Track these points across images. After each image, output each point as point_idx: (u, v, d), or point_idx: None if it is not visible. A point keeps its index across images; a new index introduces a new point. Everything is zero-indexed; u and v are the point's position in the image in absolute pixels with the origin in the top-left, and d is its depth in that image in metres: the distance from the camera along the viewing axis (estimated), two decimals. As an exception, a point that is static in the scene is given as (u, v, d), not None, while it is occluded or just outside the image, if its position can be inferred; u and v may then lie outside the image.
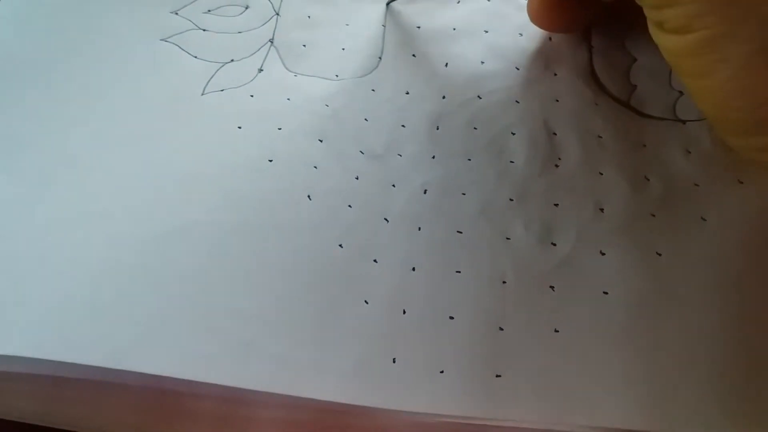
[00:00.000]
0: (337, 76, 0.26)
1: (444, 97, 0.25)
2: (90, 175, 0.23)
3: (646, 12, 0.18)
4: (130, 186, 0.23)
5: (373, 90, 0.26)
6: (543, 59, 0.26)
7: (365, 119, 0.25)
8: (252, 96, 0.25)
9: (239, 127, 0.24)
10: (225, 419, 0.19)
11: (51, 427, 0.20)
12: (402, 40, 0.27)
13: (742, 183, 0.22)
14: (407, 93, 0.25)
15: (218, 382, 0.19)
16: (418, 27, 0.27)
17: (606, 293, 0.20)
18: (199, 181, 0.23)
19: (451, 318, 0.20)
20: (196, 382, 0.19)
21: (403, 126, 0.24)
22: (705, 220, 0.22)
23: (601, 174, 0.23)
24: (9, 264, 0.21)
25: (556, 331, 0.20)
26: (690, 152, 0.23)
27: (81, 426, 0.20)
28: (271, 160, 0.23)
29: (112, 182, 0.23)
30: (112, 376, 0.19)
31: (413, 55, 0.27)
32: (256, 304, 0.20)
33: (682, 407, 0.19)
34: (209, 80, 0.26)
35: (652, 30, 0.18)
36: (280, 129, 0.24)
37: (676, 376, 0.19)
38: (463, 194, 0.23)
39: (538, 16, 0.25)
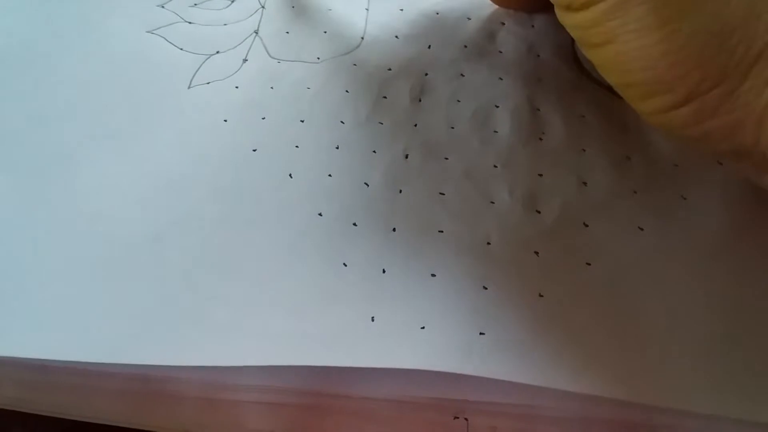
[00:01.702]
0: (318, 58, 0.26)
1: (426, 74, 0.25)
2: (81, 173, 0.22)
3: (554, 0, 0.19)
4: (121, 185, 0.22)
5: (354, 65, 0.25)
6: (526, 43, 0.26)
7: (346, 91, 0.24)
8: (237, 87, 0.25)
9: (225, 120, 0.24)
10: (210, 403, 0.19)
11: (36, 413, 0.19)
12: (385, 22, 0.27)
13: (721, 164, 0.22)
14: (389, 69, 0.25)
15: (204, 364, 0.18)
16: (401, 10, 0.27)
17: (589, 264, 0.20)
18: (188, 177, 0.22)
19: (433, 275, 0.19)
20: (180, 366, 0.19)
21: (384, 97, 0.24)
22: (685, 198, 0.22)
23: (584, 150, 0.23)
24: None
25: (541, 295, 0.19)
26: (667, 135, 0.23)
27: (66, 412, 0.19)
28: (255, 150, 0.23)
29: (102, 181, 0.22)
30: (99, 363, 0.19)
31: (396, 37, 0.26)
32: (242, 288, 0.19)
33: (662, 377, 0.18)
34: (195, 73, 0.25)
35: (561, 15, 0.19)
36: (263, 119, 0.24)
37: (657, 347, 0.19)
38: (446, 159, 0.22)
39: None
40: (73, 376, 0.19)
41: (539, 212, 0.21)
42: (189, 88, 0.25)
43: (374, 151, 0.22)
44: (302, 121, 0.23)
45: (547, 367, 0.18)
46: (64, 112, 0.24)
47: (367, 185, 0.21)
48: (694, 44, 0.16)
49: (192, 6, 0.28)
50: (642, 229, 0.21)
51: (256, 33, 0.27)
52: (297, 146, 0.23)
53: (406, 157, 0.22)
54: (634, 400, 0.18)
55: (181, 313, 0.19)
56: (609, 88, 0.24)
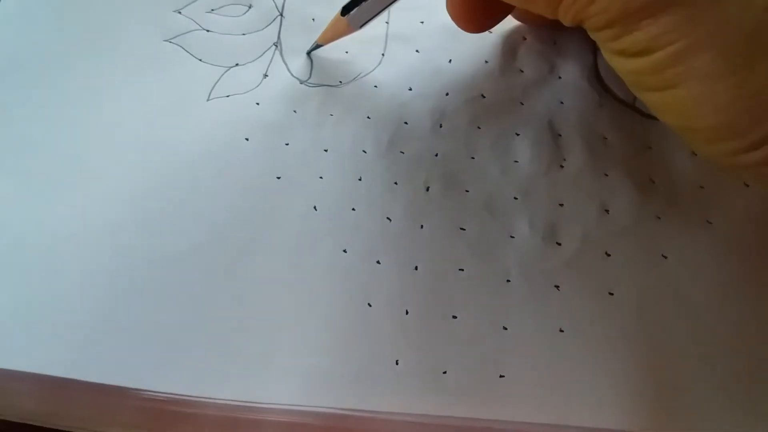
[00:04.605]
0: (340, 82, 0.26)
1: (447, 94, 0.25)
2: (98, 184, 0.23)
3: (603, 45, 0.18)
4: (140, 197, 0.22)
5: (375, 86, 0.25)
6: (548, 63, 0.25)
7: (368, 117, 0.24)
8: (258, 104, 0.25)
9: (246, 139, 0.24)
10: (230, 422, 0.19)
11: (55, 428, 0.20)
12: (405, 35, 0.27)
13: (747, 186, 0.22)
14: (410, 89, 0.25)
15: (228, 398, 0.19)
16: (422, 22, 0.27)
17: (612, 294, 0.20)
18: (211, 196, 0.22)
19: (454, 317, 0.20)
20: None
21: (405, 123, 0.24)
22: (710, 223, 0.22)
23: (607, 175, 0.23)
24: (22, 279, 0.21)
25: (561, 330, 0.20)
26: (696, 154, 0.23)
27: (85, 427, 0.19)
28: (279, 177, 0.23)
29: (121, 193, 0.22)
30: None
31: (416, 51, 0.26)
32: (265, 320, 0.20)
33: (688, 409, 0.18)
34: (214, 85, 0.25)
35: (611, 58, 0.18)
36: (287, 144, 0.24)
37: (682, 378, 0.19)
38: (467, 191, 0.22)
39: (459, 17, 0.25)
40: (92, 393, 0.19)
41: (560, 244, 0.21)
42: (208, 100, 0.25)
43: (396, 183, 0.23)
44: (326, 151, 0.24)
45: (568, 404, 0.19)
46: (81, 120, 0.24)
47: (390, 220, 0.22)
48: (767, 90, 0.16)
49: (209, 12, 0.28)
50: (665, 257, 0.21)
51: (276, 46, 0.27)
52: (321, 177, 0.23)
53: (428, 189, 0.22)
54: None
55: (206, 342, 0.20)
56: (632, 107, 0.24)
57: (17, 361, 0.19)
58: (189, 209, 0.22)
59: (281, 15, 0.28)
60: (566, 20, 0.19)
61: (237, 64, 0.26)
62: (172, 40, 0.27)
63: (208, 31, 0.27)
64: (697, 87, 0.16)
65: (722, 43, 0.16)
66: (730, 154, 0.17)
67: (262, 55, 0.26)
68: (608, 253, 0.21)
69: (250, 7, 0.28)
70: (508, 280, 0.20)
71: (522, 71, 0.25)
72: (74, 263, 0.21)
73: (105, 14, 0.27)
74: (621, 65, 0.18)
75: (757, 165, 0.17)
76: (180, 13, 0.27)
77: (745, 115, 0.16)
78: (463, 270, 0.21)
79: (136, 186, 0.22)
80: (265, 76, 0.26)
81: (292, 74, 0.26)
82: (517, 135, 0.24)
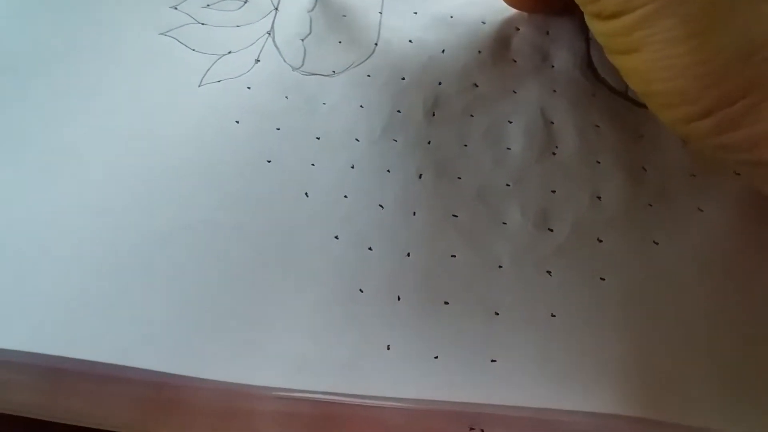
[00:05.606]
0: (333, 72, 0.26)
1: (440, 84, 0.25)
2: (91, 168, 0.23)
3: (583, 8, 0.19)
4: (132, 180, 0.22)
5: (368, 76, 0.25)
6: (540, 53, 0.26)
7: (360, 106, 0.24)
8: (249, 88, 0.25)
9: (237, 122, 0.24)
10: (225, 412, 0.19)
11: (51, 420, 0.19)
12: (398, 26, 0.27)
13: (738, 174, 0.22)
14: (403, 78, 0.25)
15: (219, 379, 0.19)
16: (415, 13, 0.27)
17: (603, 279, 0.20)
18: (200, 178, 0.22)
19: (446, 303, 0.20)
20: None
21: (398, 111, 0.24)
22: (702, 210, 0.22)
23: (599, 163, 0.23)
24: (12, 258, 0.21)
25: (553, 315, 0.20)
26: (687, 143, 0.23)
27: (81, 419, 0.19)
28: (269, 161, 0.23)
29: (113, 176, 0.22)
30: (113, 369, 0.19)
31: (409, 41, 0.26)
32: (255, 305, 0.20)
33: (678, 394, 0.19)
34: (206, 72, 0.25)
35: (590, 21, 0.19)
36: (278, 129, 0.24)
37: (672, 363, 0.19)
38: (459, 178, 0.22)
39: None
40: (87, 383, 0.19)
41: (551, 230, 0.21)
42: (200, 86, 0.25)
43: (388, 171, 0.23)
44: (318, 138, 0.24)
45: (559, 389, 0.19)
46: (74, 111, 0.24)
47: (382, 207, 0.22)
48: (720, 58, 0.16)
49: (205, 7, 0.28)
50: (657, 243, 0.21)
51: (269, 34, 0.27)
52: (313, 164, 0.23)
53: (420, 176, 0.22)
54: (648, 416, 0.18)
55: (196, 323, 0.20)
56: (625, 96, 0.24)
57: (8, 340, 0.19)
58: (180, 191, 0.22)
59: (276, 9, 0.28)
60: None
61: (230, 52, 0.26)
62: (167, 33, 0.27)
63: (203, 24, 0.27)
64: (657, 51, 0.17)
65: (684, 9, 0.16)
66: (684, 121, 0.18)
67: (254, 42, 0.26)
68: (600, 239, 0.21)
69: (245, 2, 0.28)
70: (500, 267, 0.20)
71: (515, 61, 0.25)
72: (66, 247, 0.21)
73: (102, 11, 0.27)
74: (597, 27, 0.19)
75: (706, 134, 0.18)
76: (176, 9, 0.27)
77: (698, 81, 0.17)
78: (455, 256, 0.21)
79: (126, 170, 0.22)
80: (257, 61, 0.26)
81: (284, 60, 0.26)
82: (510, 123, 0.24)
